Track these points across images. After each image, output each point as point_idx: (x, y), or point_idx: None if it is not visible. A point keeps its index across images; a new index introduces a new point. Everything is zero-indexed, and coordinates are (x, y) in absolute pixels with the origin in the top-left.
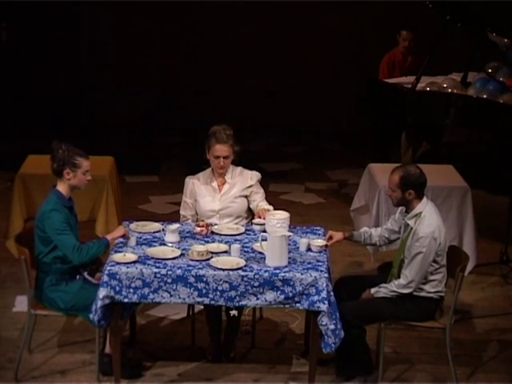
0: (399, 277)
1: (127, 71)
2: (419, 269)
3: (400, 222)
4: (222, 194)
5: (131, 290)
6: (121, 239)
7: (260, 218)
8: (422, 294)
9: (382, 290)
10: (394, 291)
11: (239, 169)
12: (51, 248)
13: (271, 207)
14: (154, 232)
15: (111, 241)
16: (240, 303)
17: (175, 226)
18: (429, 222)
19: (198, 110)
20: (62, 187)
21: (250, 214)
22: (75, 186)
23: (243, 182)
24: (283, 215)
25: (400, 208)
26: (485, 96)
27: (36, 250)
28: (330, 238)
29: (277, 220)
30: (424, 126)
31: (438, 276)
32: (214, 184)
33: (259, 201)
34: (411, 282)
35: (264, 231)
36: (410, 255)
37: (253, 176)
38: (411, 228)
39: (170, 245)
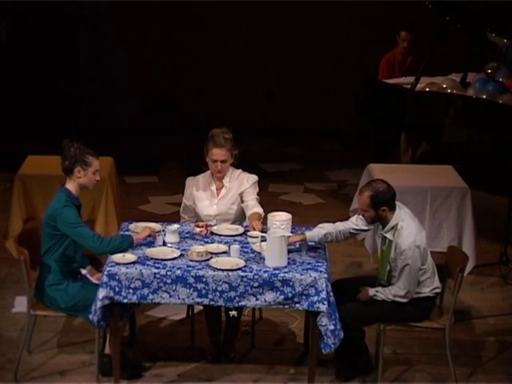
0: (389, 285)
1: (127, 71)
2: (411, 278)
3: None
4: (220, 198)
5: (131, 291)
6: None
7: (254, 229)
8: (420, 295)
9: (379, 295)
10: (392, 300)
11: (238, 172)
12: (59, 246)
13: (261, 210)
14: None
15: (136, 241)
16: (239, 304)
17: (175, 226)
18: (407, 232)
19: (197, 110)
20: (71, 186)
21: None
22: (84, 184)
23: (239, 185)
24: (286, 216)
25: None
26: (484, 96)
27: (43, 248)
28: None
29: (279, 221)
30: (423, 126)
31: (428, 273)
32: (213, 188)
33: (248, 200)
34: (408, 293)
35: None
36: (398, 268)
37: (249, 179)
38: (390, 241)
39: (169, 245)
